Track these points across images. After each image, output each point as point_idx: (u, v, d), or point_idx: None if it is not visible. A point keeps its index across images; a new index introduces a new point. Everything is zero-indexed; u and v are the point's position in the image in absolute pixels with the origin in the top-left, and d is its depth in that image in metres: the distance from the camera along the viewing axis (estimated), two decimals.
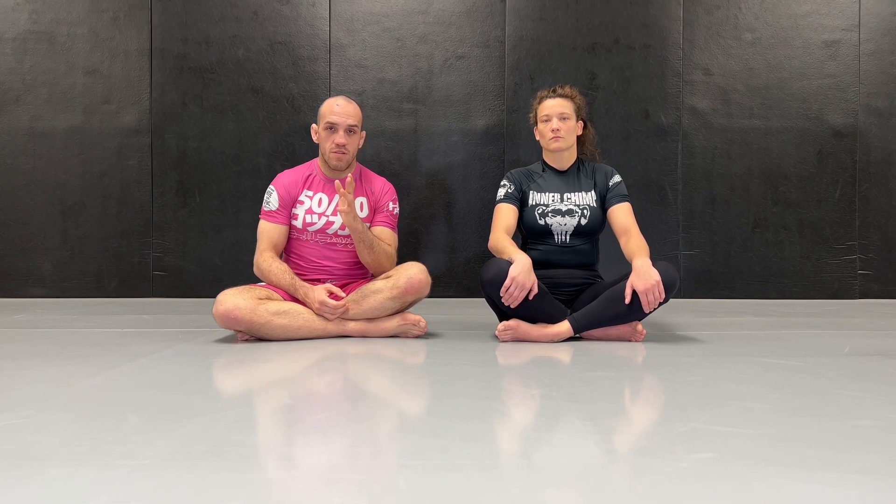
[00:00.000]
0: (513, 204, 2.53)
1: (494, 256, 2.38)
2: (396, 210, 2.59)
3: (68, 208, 4.11)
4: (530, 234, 2.55)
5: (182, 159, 4.12)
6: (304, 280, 2.44)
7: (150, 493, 0.93)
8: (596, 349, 2.19)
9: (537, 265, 2.44)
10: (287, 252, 2.56)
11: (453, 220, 4.14)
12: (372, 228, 2.49)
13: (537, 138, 2.60)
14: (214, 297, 2.32)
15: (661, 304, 2.25)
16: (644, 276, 2.22)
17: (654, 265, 2.26)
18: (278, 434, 1.26)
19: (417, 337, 2.46)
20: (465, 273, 4.13)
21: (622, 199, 2.52)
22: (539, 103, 2.56)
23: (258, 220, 2.53)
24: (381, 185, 2.60)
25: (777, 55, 4.15)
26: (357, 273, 2.56)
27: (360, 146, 2.54)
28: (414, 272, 2.37)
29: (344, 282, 2.52)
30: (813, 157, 4.16)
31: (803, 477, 0.99)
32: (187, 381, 1.70)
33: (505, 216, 2.50)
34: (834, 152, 4.16)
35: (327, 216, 2.48)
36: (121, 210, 4.12)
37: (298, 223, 2.48)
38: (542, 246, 2.53)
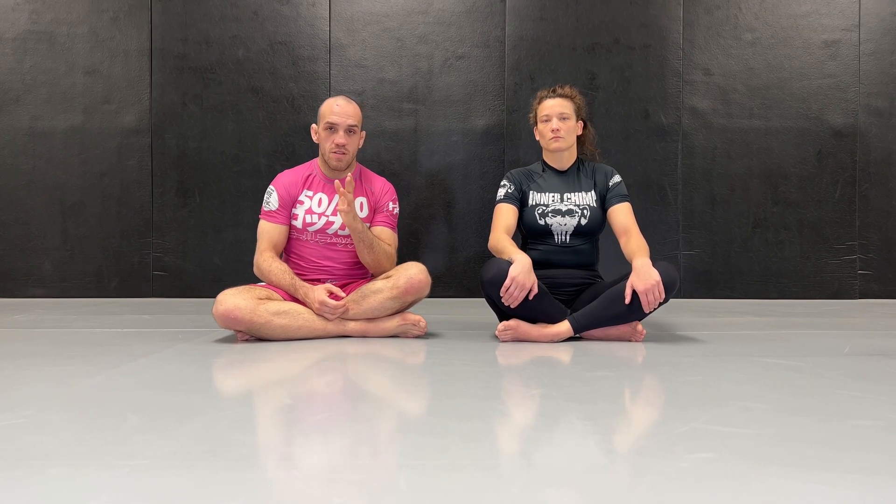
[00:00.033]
0: (513, 204, 2.53)
1: (494, 256, 2.38)
2: (396, 210, 2.59)
3: (68, 208, 4.11)
4: (530, 234, 2.55)
5: (182, 159, 4.12)
6: (304, 280, 2.44)
7: (150, 493, 0.93)
8: (596, 349, 2.19)
9: (537, 265, 2.44)
10: (287, 252, 2.56)
11: (453, 220, 4.14)
12: (372, 228, 2.49)
13: (537, 138, 2.60)
14: (214, 297, 2.32)
15: (661, 304, 2.25)
16: (644, 277, 2.22)
17: (654, 265, 2.26)
18: (278, 434, 1.26)
19: (417, 337, 2.46)
20: (465, 273, 4.13)
21: (622, 199, 2.52)
22: (539, 103, 2.56)
23: (258, 220, 2.53)
24: (380, 185, 2.60)
25: (777, 55, 4.15)
26: (357, 273, 2.55)
27: (360, 146, 2.54)
28: (414, 272, 2.37)
29: (344, 282, 2.52)
30: (813, 157, 4.17)
31: (803, 477, 0.99)
32: (187, 381, 1.69)
33: (505, 216, 2.50)
34: (834, 152, 4.16)
35: (327, 216, 2.48)
36: (121, 210, 4.12)
37: (298, 223, 2.48)
38: (542, 246, 2.53)
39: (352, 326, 2.41)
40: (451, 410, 1.40)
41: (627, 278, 2.29)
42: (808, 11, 4.15)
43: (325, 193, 2.51)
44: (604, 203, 2.54)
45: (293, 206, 2.50)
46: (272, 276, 2.40)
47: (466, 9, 4.12)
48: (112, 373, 1.77)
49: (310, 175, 2.54)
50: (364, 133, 2.56)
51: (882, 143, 4.18)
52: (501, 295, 2.24)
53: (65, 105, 4.10)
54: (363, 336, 2.42)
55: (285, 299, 2.39)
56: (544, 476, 1.00)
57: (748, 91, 4.15)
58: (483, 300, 2.63)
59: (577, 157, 2.62)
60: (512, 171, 2.63)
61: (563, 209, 2.50)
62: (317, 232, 2.48)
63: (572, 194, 2.53)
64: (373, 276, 2.52)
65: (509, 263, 2.25)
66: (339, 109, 2.43)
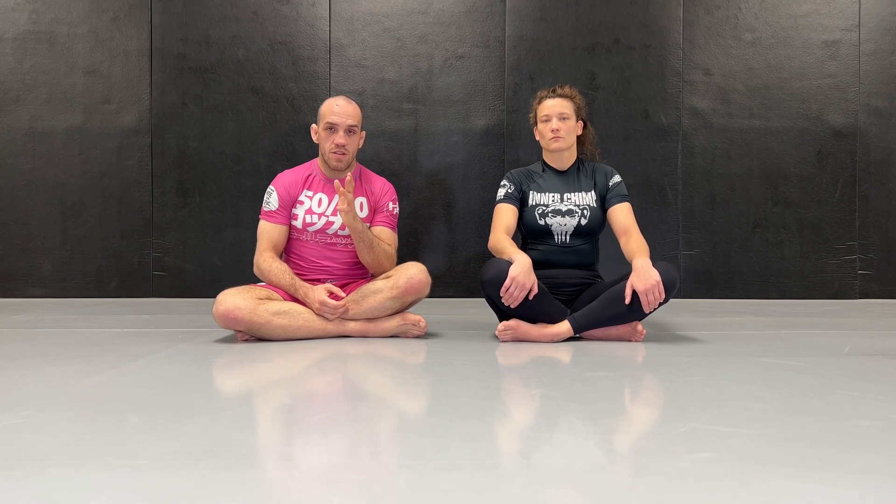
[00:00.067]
0: (513, 204, 2.53)
1: (494, 256, 2.38)
2: (396, 210, 2.59)
3: (68, 208, 4.11)
4: (530, 234, 2.55)
5: (182, 159, 4.12)
6: (304, 280, 2.44)
7: (150, 493, 0.93)
8: (596, 349, 2.19)
9: (537, 265, 2.44)
10: (287, 252, 2.56)
11: (453, 220, 4.14)
12: (372, 228, 2.49)
13: (537, 138, 2.60)
14: (214, 297, 2.32)
15: (661, 304, 2.25)
16: (644, 277, 2.22)
17: (654, 265, 2.26)
18: (278, 434, 1.26)
19: (417, 337, 2.46)
20: (465, 273, 4.13)
21: (622, 199, 2.51)
22: (539, 103, 2.56)
23: (258, 220, 2.53)
24: (380, 185, 2.60)
25: (777, 55, 4.15)
26: (357, 273, 2.55)
27: (359, 146, 2.54)
28: (414, 272, 2.37)
29: (344, 282, 2.52)
30: (813, 157, 4.17)
31: (803, 477, 0.99)
32: (187, 381, 1.70)
33: (505, 216, 2.50)
34: (834, 152, 4.16)
35: (327, 216, 2.48)
36: (121, 210, 4.12)
37: (298, 223, 2.48)
38: (542, 246, 2.53)
39: (352, 326, 2.41)
40: (451, 410, 1.40)
41: (627, 278, 2.29)
42: (808, 11, 4.15)
43: (325, 193, 2.51)
44: (604, 203, 2.54)
45: (293, 206, 2.50)
46: (272, 276, 2.40)
47: (466, 9, 4.12)
48: (112, 373, 1.77)
49: (310, 175, 2.54)
50: (364, 133, 2.56)
51: (882, 143, 4.18)
52: (501, 295, 2.24)
53: (65, 105, 4.10)
54: (363, 336, 2.42)
55: (285, 299, 2.39)
56: (544, 476, 1.00)
57: (748, 91, 4.15)
58: (483, 300, 2.63)
59: (577, 157, 2.62)
60: (512, 171, 2.63)
61: (563, 209, 2.50)
62: (317, 232, 2.48)
63: (572, 194, 2.53)
64: (373, 276, 2.52)
65: (509, 263, 2.25)
66: (338, 109, 2.43)
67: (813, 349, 2.20)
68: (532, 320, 2.34)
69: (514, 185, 2.56)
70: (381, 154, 4.12)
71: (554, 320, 2.34)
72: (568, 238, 2.51)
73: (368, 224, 2.50)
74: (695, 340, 2.40)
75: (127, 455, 1.08)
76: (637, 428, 1.32)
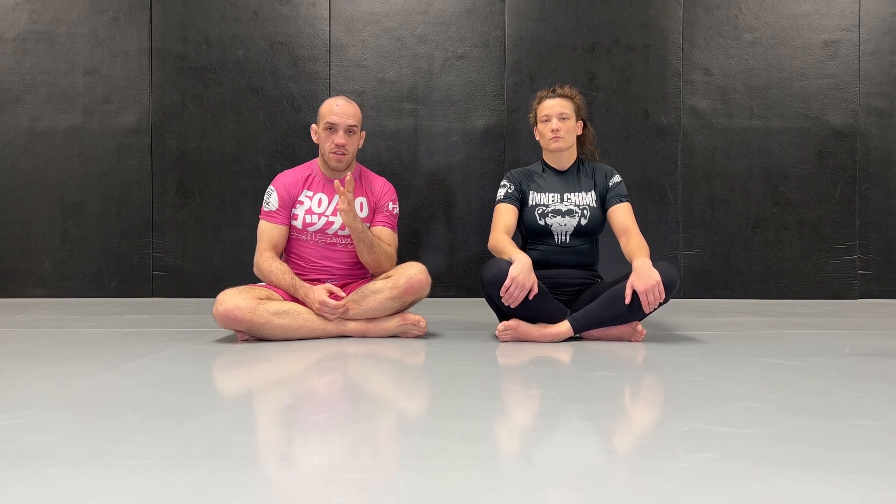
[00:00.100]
0: (513, 204, 2.53)
1: (494, 257, 2.38)
2: (396, 210, 2.59)
3: (68, 208, 4.11)
4: (530, 234, 2.55)
5: (182, 159, 4.12)
6: (304, 280, 2.44)
7: (150, 493, 0.93)
8: (596, 349, 2.19)
9: (537, 265, 2.44)
10: (287, 252, 2.56)
11: (453, 220, 4.14)
12: (372, 228, 2.49)
13: (537, 138, 2.60)
14: (214, 297, 2.31)
15: (661, 304, 2.25)
16: (644, 277, 2.22)
17: (654, 265, 2.26)
18: (278, 434, 1.26)
19: (417, 337, 2.46)
20: (465, 273, 4.13)
21: (622, 199, 2.51)
22: (539, 103, 2.56)
23: (258, 220, 2.53)
24: (380, 185, 2.60)
25: (777, 55, 4.15)
26: (357, 273, 2.55)
27: (359, 146, 2.54)
28: (414, 272, 2.37)
29: (344, 282, 2.52)
30: (813, 157, 4.17)
31: (803, 477, 0.99)
32: (187, 381, 1.69)
33: (505, 216, 2.50)
34: (834, 152, 4.16)
35: (327, 216, 2.48)
36: (121, 210, 4.12)
37: (298, 223, 2.48)
38: (542, 246, 2.53)
39: (352, 326, 2.41)
40: (451, 410, 1.40)
41: (627, 278, 2.29)
42: (808, 11, 4.15)
43: (325, 193, 2.51)
44: (604, 203, 2.54)
45: (293, 206, 2.50)
46: (272, 276, 2.40)
47: (466, 9, 4.12)
48: (112, 373, 1.77)
49: (310, 175, 2.54)
50: (364, 133, 2.56)
51: (882, 143, 4.18)
52: (501, 295, 2.24)
53: (65, 105, 4.10)
54: (363, 336, 2.42)
55: (285, 299, 2.39)
56: (544, 476, 1.00)
57: (748, 91, 4.15)
58: (483, 300, 2.63)
59: (577, 157, 2.62)
60: (512, 171, 2.63)
61: (563, 209, 2.50)
62: (317, 232, 2.48)
63: (572, 194, 2.53)
64: (373, 276, 2.52)
65: (509, 263, 2.25)
66: (338, 110, 2.43)
67: (813, 349, 2.20)
68: (532, 320, 2.34)
69: (514, 185, 2.56)
70: (381, 154, 4.12)
71: (554, 320, 2.34)
72: (568, 238, 2.51)
73: (368, 224, 2.50)
74: (695, 340, 2.40)
75: (127, 455, 1.08)
76: (637, 428, 1.32)
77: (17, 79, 4.09)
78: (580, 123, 2.57)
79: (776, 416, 1.35)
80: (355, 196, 2.51)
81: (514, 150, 4.11)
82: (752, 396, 1.51)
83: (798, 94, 4.15)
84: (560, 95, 2.52)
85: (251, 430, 1.26)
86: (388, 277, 2.41)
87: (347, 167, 2.52)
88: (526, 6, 4.12)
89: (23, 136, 4.10)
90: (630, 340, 2.35)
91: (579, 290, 2.52)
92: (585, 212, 2.50)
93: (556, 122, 2.48)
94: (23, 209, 4.10)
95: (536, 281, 2.24)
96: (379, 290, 2.38)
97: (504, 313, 2.37)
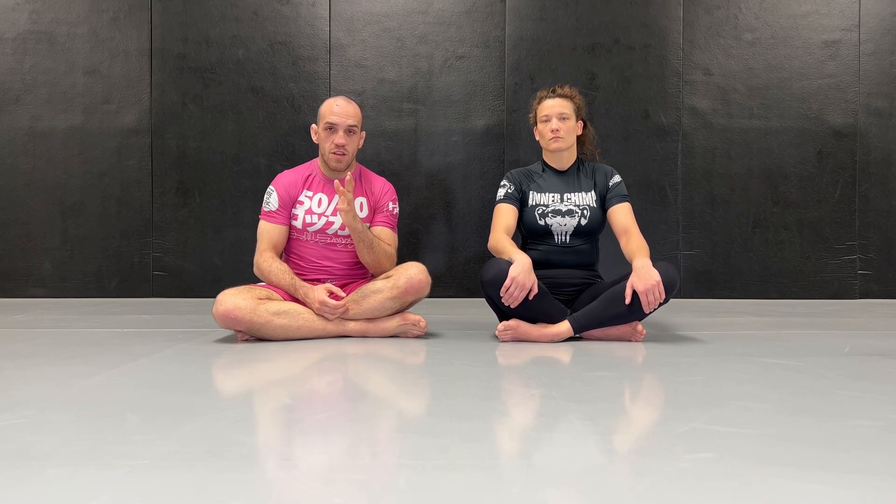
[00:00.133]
0: (512, 204, 2.52)
1: (494, 257, 2.38)
2: (396, 210, 2.59)
3: (68, 208, 4.11)
4: (530, 234, 2.55)
5: (182, 159, 4.12)
6: (304, 280, 2.44)
7: (150, 493, 0.93)
8: (596, 349, 2.19)
9: (537, 265, 2.44)
10: (287, 252, 2.56)
11: (453, 220, 4.14)
12: (372, 228, 2.49)
13: (537, 138, 2.60)
14: (214, 297, 2.32)
15: (661, 304, 2.25)
16: (644, 277, 2.22)
17: (654, 265, 2.26)
18: (278, 434, 1.26)
19: (417, 337, 2.46)
20: (465, 273, 4.13)
21: (622, 199, 2.51)
22: (538, 103, 2.56)
23: (258, 220, 2.53)
24: (380, 185, 2.60)
25: (777, 55, 4.15)
26: (357, 273, 2.55)
27: (359, 146, 2.54)
28: (414, 272, 2.37)
29: (344, 282, 2.52)
30: (813, 157, 4.17)
31: (803, 477, 0.99)
32: (187, 381, 1.70)
33: (505, 216, 2.50)
34: (834, 152, 4.16)
35: (327, 216, 2.48)
36: (121, 210, 4.12)
37: (298, 223, 2.48)
38: (542, 246, 2.53)
39: (352, 326, 2.41)
40: (451, 410, 1.40)
41: (627, 278, 2.29)
42: (808, 11, 4.15)
43: (325, 194, 2.51)
44: (604, 203, 2.54)
45: (293, 206, 2.50)
46: (272, 276, 2.40)
47: (466, 9, 4.12)
48: (112, 373, 1.77)
49: (310, 175, 2.54)
50: (364, 133, 2.56)
51: (882, 143, 4.18)
52: (501, 295, 2.24)
53: (65, 105, 4.10)
54: (363, 336, 2.42)
55: (285, 299, 2.39)
56: (544, 476, 1.00)
57: (748, 91, 4.15)
58: (483, 300, 2.63)
59: (577, 157, 2.62)
60: (512, 171, 2.63)
61: (563, 209, 2.50)
62: (317, 232, 2.48)
63: (572, 194, 2.53)
64: (373, 276, 2.52)
65: (509, 263, 2.25)
66: (338, 110, 2.43)
67: (813, 349, 2.20)
68: (532, 320, 2.34)
69: (514, 185, 2.56)
70: (381, 154, 4.12)
71: (554, 320, 2.34)
72: (568, 238, 2.51)
73: (368, 224, 2.50)
74: (695, 340, 2.40)
75: (127, 455, 1.08)
76: (637, 428, 1.32)
77: (17, 79, 4.09)
78: (580, 123, 2.57)
79: (776, 416, 1.35)
80: (355, 196, 2.51)
81: (514, 150, 4.11)
82: (752, 396, 1.51)
83: (798, 94, 4.15)
84: (560, 95, 2.52)
85: (251, 430, 1.26)
86: (388, 277, 2.41)
87: (347, 167, 2.52)
88: (526, 6, 4.12)
89: (23, 136, 4.10)
90: (630, 340, 2.35)
91: (579, 290, 2.52)
92: (585, 212, 2.50)
93: (556, 122, 2.48)
94: (23, 209, 4.10)
95: (536, 281, 2.24)
96: (379, 290, 2.38)
97: (504, 313, 2.37)
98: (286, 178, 2.53)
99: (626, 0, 4.12)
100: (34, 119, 4.09)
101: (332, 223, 2.47)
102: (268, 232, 2.48)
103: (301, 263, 2.52)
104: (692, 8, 4.14)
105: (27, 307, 3.56)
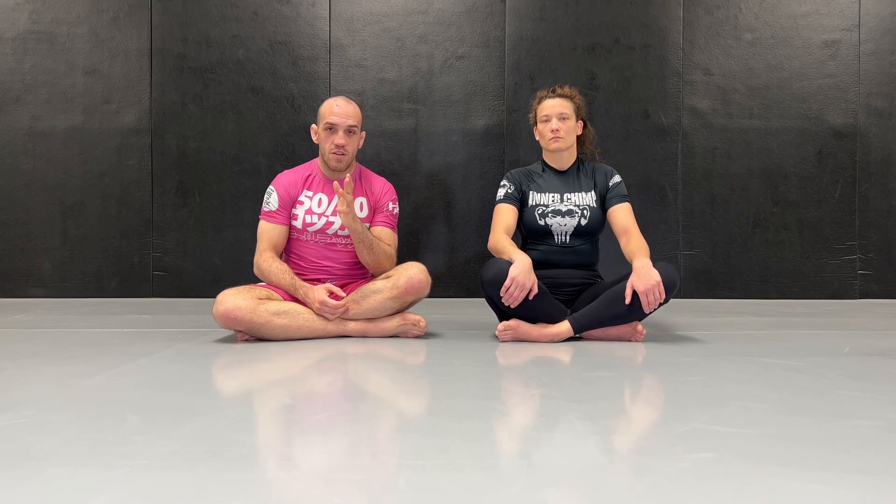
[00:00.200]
0: (512, 204, 2.52)
1: (494, 257, 2.38)
2: (396, 210, 2.59)
3: (68, 208, 4.11)
4: (530, 234, 2.55)
5: (182, 159, 4.12)
6: (304, 280, 2.44)
7: (150, 493, 0.93)
8: (596, 349, 2.19)
9: (537, 265, 2.44)
10: (287, 252, 2.56)
11: (453, 220, 4.14)
12: (372, 228, 2.49)
13: (537, 138, 2.60)
14: (214, 297, 2.32)
15: (661, 304, 2.25)
16: (644, 277, 2.22)
17: (654, 265, 2.26)
18: (278, 434, 1.26)
19: (417, 337, 2.46)
20: (465, 273, 4.13)
21: (622, 199, 2.51)
22: (538, 103, 2.56)
23: (258, 220, 2.53)
24: (380, 185, 2.60)
25: (777, 55, 4.15)
26: (357, 273, 2.55)
27: (359, 146, 2.54)
28: (414, 272, 2.37)
29: (344, 282, 2.52)
30: (813, 157, 4.17)
31: (803, 477, 0.99)
32: (187, 381, 1.69)
33: (504, 216, 2.50)
34: (834, 152, 4.16)
35: (327, 216, 2.48)
36: (121, 210, 4.12)
37: (298, 223, 2.48)
38: (542, 246, 2.53)
39: (352, 326, 2.41)
40: (451, 410, 1.40)
41: (627, 278, 2.29)
42: (808, 11, 4.15)
43: (325, 194, 2.51)
44: (604, 203, 2.54)
45: (293, 206, 2.50)
46: (272, 276, 2.40)
47: (466, 9, 4.12)
48: (112, 373, 1.77)
49: (310, 175, 2.54)
50: (364, 133, 2.56)
51: (882, 143, 4.18)
52: (501, 295, 2.24)
53: (65, 105, 4.10)
54: (363, 336, 2.42)
55: (285, 299, 2.39)
56: (544, 476, 1.00)
57: (748, 91, 4.15)
58: (483, 300, 2.63)
59: (577, 157, 2.62)
60: (512, 171, 2.63)
61: (563, 209, 2.50)
62: (317, 232, 2.48)
63: (572, 194, 2.53)
64: (373, 276, 2.52)
65: (509, 263, 2.25)
66: (338, 110, 2.43)
67: (813, 349, 2.20)
68: (532, 320, 2.34)
69: (514, 185, 2.56)
70: (381, 154, 4.12)
71: (554, 320, 2.34)
72: (568, 238, 2.51)
73: (368, 224, 2.50)
74: (695, 340, 2.40)
75: (127, 455, 1.08)
76: (637, 428, 1.32)
77: (17, 79, 4.09)
78: (580, 123, 2.57)
79: (776, 416, 1.35)
80: (355, 196, 2.51)
81: (514, 150, 4.11)
82: (752, 396, 1.51)
83: (798, 94, 4.15)
84: (560, 95, 2.52)
85: (251, 430, 1.26)
86: (388, 277, 2.41)
87: (347, 167, 2.52)
88: (526, 6, 4.12)
89: (23, 136, 4.10)
90: (630, 340, 2.35)
91: (579, 290, 2.52)
92: (585, 212, 2.50)
93: (556, 122, 2.48)
94: (23, 209, 4.10)
95: (536, 281, 2.24)
96: (379, 290, 2.38)
97: (504, 313, 2.37)
98: (286, 178, 2.53)
99: (626, 0, 4.12)
100: (34, 119, 4.09)
101: (332, 223, 2.47)
102: (268, 232, 2.48)
103: (301, 263, 2.52)
104: (692, 8, 4.14)
105: (27, 307, 3.56)
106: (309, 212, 2.48)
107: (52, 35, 4.10)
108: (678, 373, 1.81)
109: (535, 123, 2.58)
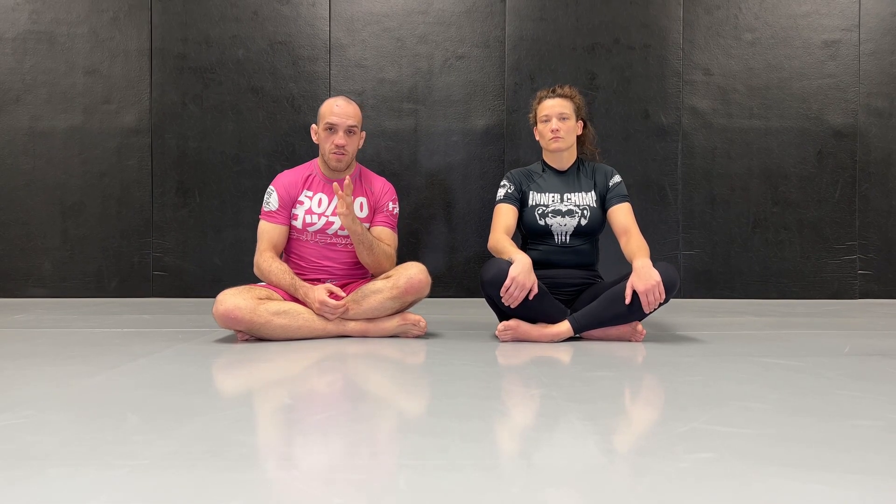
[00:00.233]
0: (512, 204, 2.53)
1: (494, 257, 2.38)
2: (396, 210, 2.59)
3: (68, 208, 4.11)
4: (530, 234, 2.55)
5: (182, 159, 4.12)
6: (304, 280, 2.44)
7: (150, 493, 0.93)
8: (596, 349, 2.19)
9: (537, 265, 2.44)
10: (287, 252, 2.56)
11: (453, 220, 4.14)
12: (372, 229, 2.49)
13: (537, 138, 2.60)
14: (214, 297, 2.32)
15: (661, 304, 2.25)
16: (644, 277, 2.22)
17: (654, 265, 2.26)
18: (278, 434, 1.26)
19: (417, 337, 2.46)
20: (465, 273, 4.13)
21: (622, 199, 2.51)
22: (538, 103, 2.56)
23: (258, 220, 2.53)
24: (380, 185, 2.60)
25: (777, 55, 4.15)
26: (357, 273, 2.55)
27: (359, 146, 2.54)
28: (414, 272, 2.37)
29: (344, 282, 2.52)
30: (813, 157, 4.17)
31: (803, 477, 0.99)
32: (187, 381, 1.69)
33: (504, 216, 2.50)
34: (834, 152, 4.16)
35: (327, 216, 2.48)
36: (121, 210, 4.12)
37: (298, 223, 2.48)
38: (542, 246, 2.53)
39: (352, 326, 2.41)
40: (451, 410, 1.40)
41: (627, 278, 2.29)
42: (808, 11, 4.15)
43: (325, 194, 2.51)
44: (604, 203, 2.54)
45: (293, 206, 2.50)
46: (272, 276, 2.40)
47: (466, 9, 4.12)
48: (112, 373, 1.77)
49: (310, 175, 2.54)
50: (364, 133, 2.56)
51: (882, 143, 4.18)
52: (501, 295, 2.24)
53: (65, 105, 4.10)
54: (363, 336, 2.42)
55: (285, 299, 2.39)
56: (544, 476, 1.00)
57: (748, 91, 4.15)
58: (483, 300, 2.63)
59: (577, 157, 2.62)
60: (512, 171, 2.63)
61: (563, 209, 2.50)
62: (317, 232, 2.48)
63: (572, 194, 2.53)
64: (373, 276, 2.52)
65: (509, 263, 2.25)
66: (338, 110, 2.43)
67: (813, 349, 2.20)
68: (532, 320, 2.34)
69: (514, 185, 2.56)
70: (381, 154, 4.12)
71: (554, 320, 2.34)
72: (568, 238, 2.51)
73: (368, 224, 2.50)
74: (695, 340, 2.40)
75: (127, 455, 1.08)
76: (637, 428, 1.32)
77: (17, 79, 4.09)
78: (580, 123, 2.57)
79: (776, 416, 1.35)
80: (355, 196, 2.51)
81: (514, 150, 4.11)
82: (752, 396, 1.51)
83: (798, 94, 4.15)
84: (560, 95, 2.52)
85: (251, 430, 1.26)
86: (388, 277, 2.41)
87: (347, 167, 2.52)
88: (526, 6, 4.12)
89: (23, 136, 4.10)
90: (630, 340, 2.35)
91: (579, 290, 2.52)
92: (585, 212, 2.50)
93: (556, 122, 2.48)
94: (23, 209, 4.10)
95: (536, 281, 2.24)
96: (379, 290, 2.38)
97: (504, 313, 2.37)
98: (286, 178, 2.53)
99: (626, 0, 4.12)
100: (34, 119, 4.09)
101: (332, 223, 2.47)
102: (268, 232, 2.48)
103: (301, 263, 2.52)
104: (692, 8, 4.14)
105: (27, 307, 3.56)
106: (309, 212, 2.48)
107: (52, 35, 4.10)
108: (678, 373, 1.81)
109: (535, 123, 2.58)
